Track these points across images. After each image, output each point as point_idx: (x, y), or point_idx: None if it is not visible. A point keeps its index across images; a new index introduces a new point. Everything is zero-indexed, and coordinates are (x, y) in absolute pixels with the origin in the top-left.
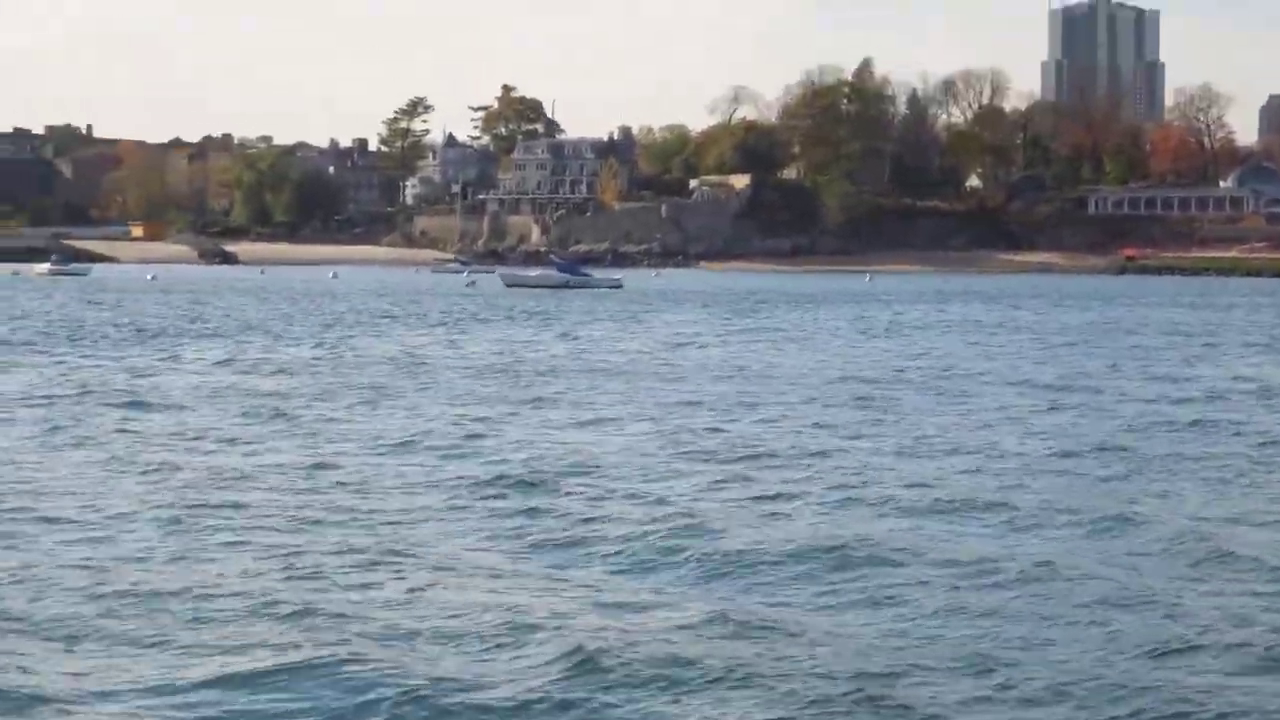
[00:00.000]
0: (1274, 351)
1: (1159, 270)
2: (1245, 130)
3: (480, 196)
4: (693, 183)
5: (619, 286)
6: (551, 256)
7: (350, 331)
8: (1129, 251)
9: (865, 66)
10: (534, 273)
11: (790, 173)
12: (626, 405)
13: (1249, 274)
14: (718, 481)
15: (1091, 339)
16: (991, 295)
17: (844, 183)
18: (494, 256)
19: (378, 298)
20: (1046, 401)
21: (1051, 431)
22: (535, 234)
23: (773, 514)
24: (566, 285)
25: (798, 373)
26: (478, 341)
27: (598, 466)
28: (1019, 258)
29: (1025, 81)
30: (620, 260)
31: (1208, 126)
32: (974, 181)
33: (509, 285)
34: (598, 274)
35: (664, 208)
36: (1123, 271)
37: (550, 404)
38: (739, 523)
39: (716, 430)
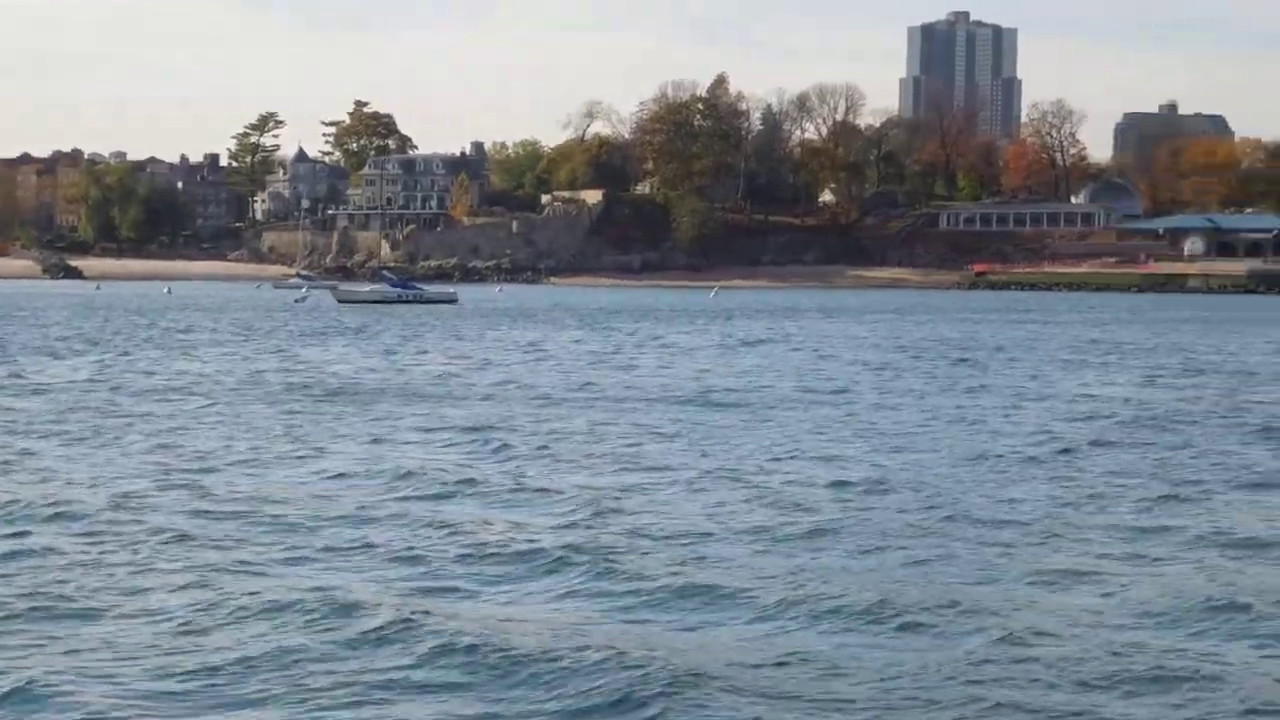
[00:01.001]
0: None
1: (1009, 285)
2: (1101, 148)
3: (330, 212)
4: (545, 198)
5: (453, 301)
6: (383, 272)
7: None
8: (980, 267)
9: (720, 82)
10: (366, 288)
11: (643, 188)
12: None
13: (1099, 289)
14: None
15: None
16: (831, 310)
17: (696, 199)
18: (343, 272)
19: (191, 313)
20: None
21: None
22: (385, 249)
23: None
24: (399, 300)
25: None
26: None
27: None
28: (870, 273)
29: (884, 98)
30: (470, 275)
31: (1061, 143)
32: (827, 197)
33: (341, 301)
34: (440, 289)
35: (514, 223)
36: (973, 287)
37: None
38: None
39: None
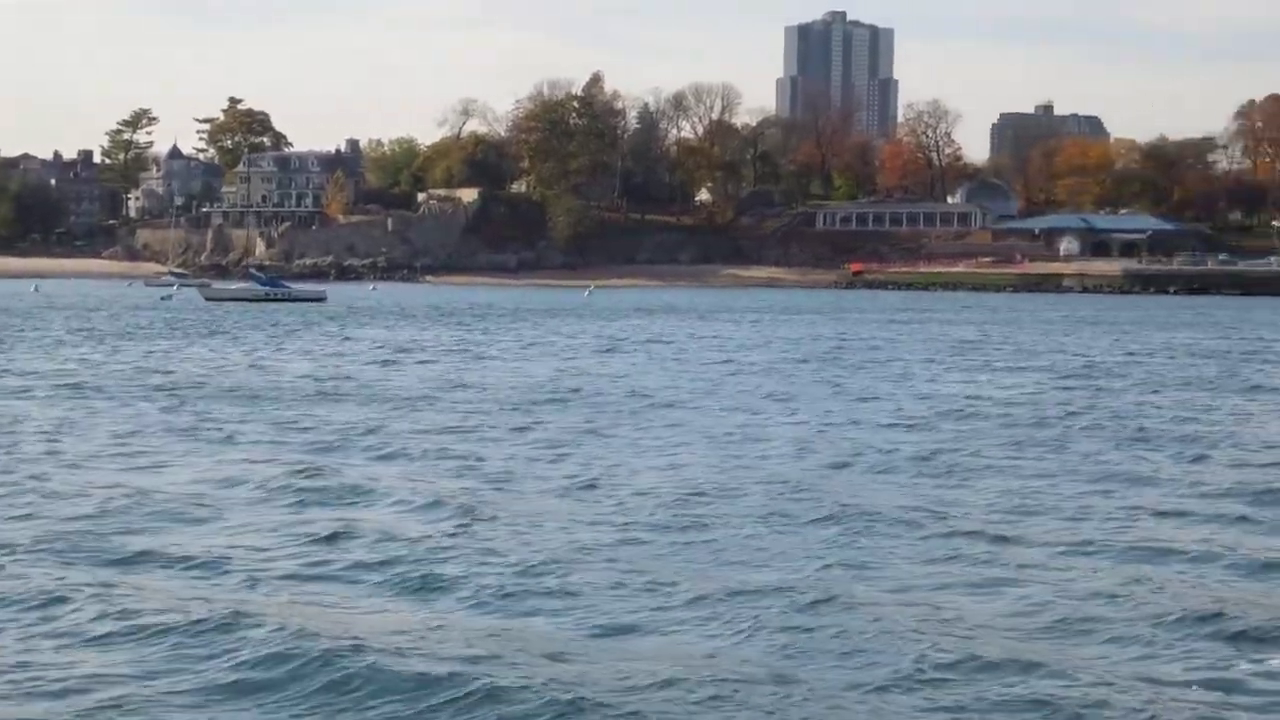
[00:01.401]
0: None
1: (885, 285)
2: (978, 148)
3: (205, 209)
4: (420, 196)
5: (322, 300)
6: (250, 270)
7: None
8: (856, 266)
9: (595, 80)
10: (234, 285)
11: (520, 187)
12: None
13: (975, 289)
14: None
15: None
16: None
17: (572, 197)
18: (216, 270)
19: (53, 311)
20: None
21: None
22: (260, 247)
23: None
24: (267, 298)
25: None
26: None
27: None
28: (747, 272)
29: (761, 98)
30: (345, 274)
31: (936, 143)
32: (704, 196)
33: (208, 299)
34: (308, 288)
35: (390, 221)
36: (850, 286)
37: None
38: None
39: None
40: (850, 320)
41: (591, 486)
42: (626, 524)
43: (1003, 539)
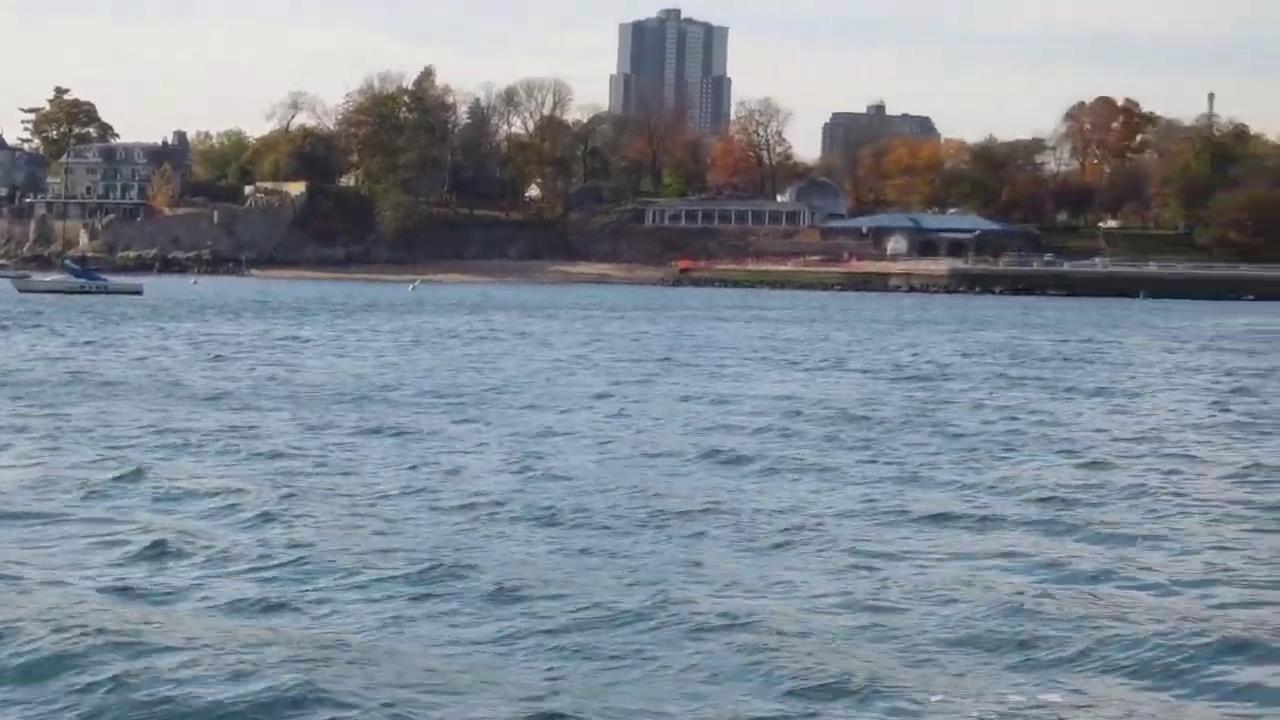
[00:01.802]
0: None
1: (713, 282)
2: (810, 147)
3: (28, 200)
4: (247, 189)
5: (138, 292)
6: (66, 261)
7: None
8: (684, 263)
9: (427, 75)
10: (48, 278)
11: (349, 181)
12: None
13: (802, 287)
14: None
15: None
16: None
17: (400, 191)
18: (38, 261)
19: None
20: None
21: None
22: (84, 239)
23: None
24: (82, 291)
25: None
26: None
27: None
28: (575, 268)
29: (594, 95)
30: (170, 266)
31: (767, 141)
32: (534, 192)
33: (21, 290)
34: (125, 280)
35: (216, 214)
36: (678, 283)
37: None
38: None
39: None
40: (677, 318)
41: (405, 490)
42: (416, 535)
43: (818, 545)
